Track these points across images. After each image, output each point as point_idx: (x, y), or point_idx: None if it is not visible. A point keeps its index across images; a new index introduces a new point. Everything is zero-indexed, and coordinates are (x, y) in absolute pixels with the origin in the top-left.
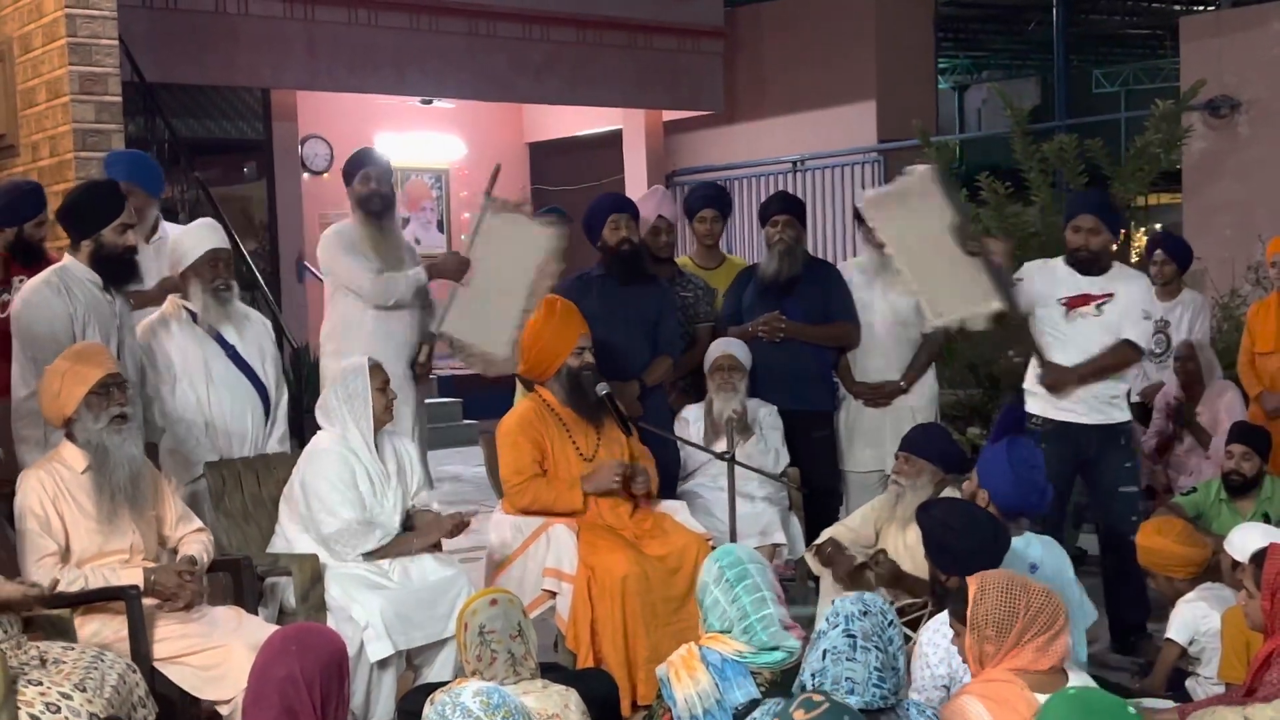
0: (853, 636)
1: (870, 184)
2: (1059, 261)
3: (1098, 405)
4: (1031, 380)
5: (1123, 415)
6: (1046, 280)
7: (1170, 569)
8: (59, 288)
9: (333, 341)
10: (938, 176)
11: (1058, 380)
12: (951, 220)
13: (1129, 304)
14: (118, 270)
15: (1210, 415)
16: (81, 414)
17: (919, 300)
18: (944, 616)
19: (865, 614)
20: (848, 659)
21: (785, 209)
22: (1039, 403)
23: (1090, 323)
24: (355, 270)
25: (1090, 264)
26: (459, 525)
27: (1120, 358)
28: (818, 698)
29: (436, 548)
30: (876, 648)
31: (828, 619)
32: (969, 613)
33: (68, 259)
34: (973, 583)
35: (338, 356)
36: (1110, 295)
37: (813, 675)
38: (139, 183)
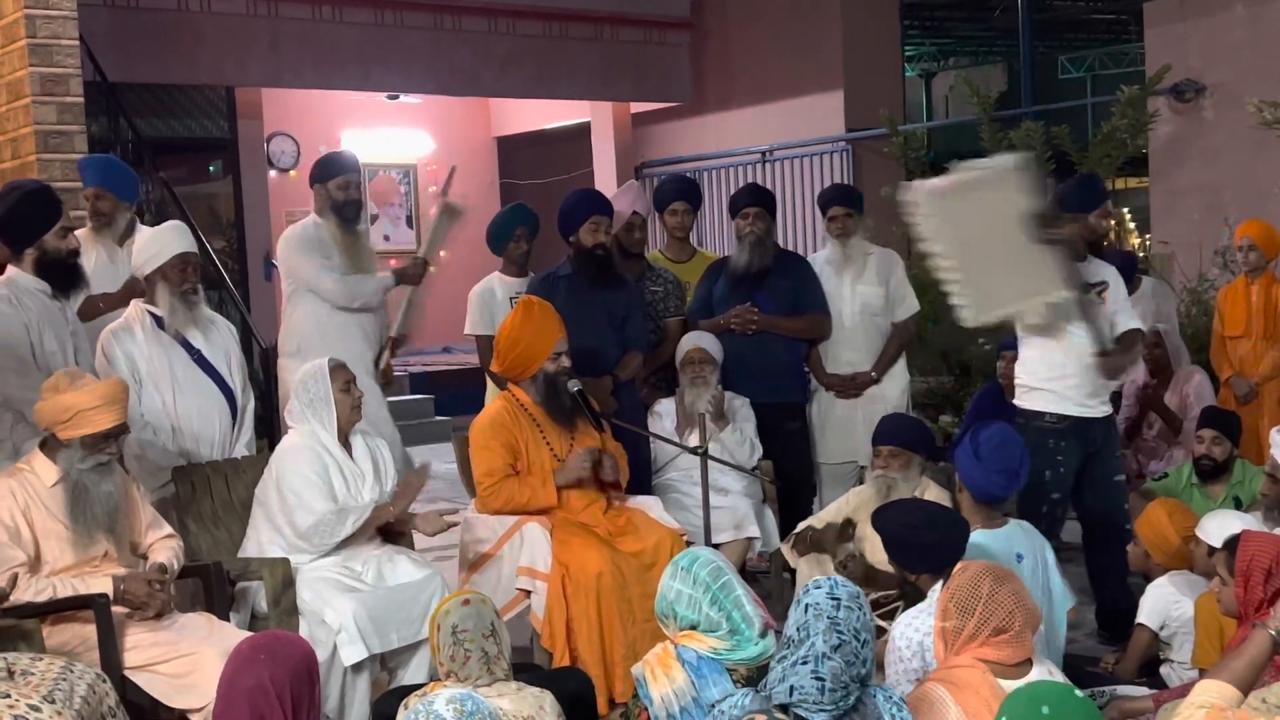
0: (821, 680)
1: (839, 173)
2: None
3: (1104, 398)
4: (1035, 377)
5: (1111, 406)
6: None
7: (1158, 552)
8: (9, 299)
9: (293, 342)
10: (1025, 164)
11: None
12: (1027, 209)
13: (1119, 292)
14: (64, 276)
15: (1179, 400)
16: (73, 447)
17: (960, 298)
18: (916, 610)
19: (838, 648)
20: (814, 701)
21: (755, 201)
22: (1051, 399)
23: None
24: (319, 271)
25: (1099, 247)
26: (436, 520)
27: (1139, 345)
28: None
29: (409, 544)
30: (843, 687)
31: (798, 629)
32: (944, 588)
33: (12, 270)
34: (960, 564)
35: (299, 358)
36: (1105, 283)
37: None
38: (110, 188)
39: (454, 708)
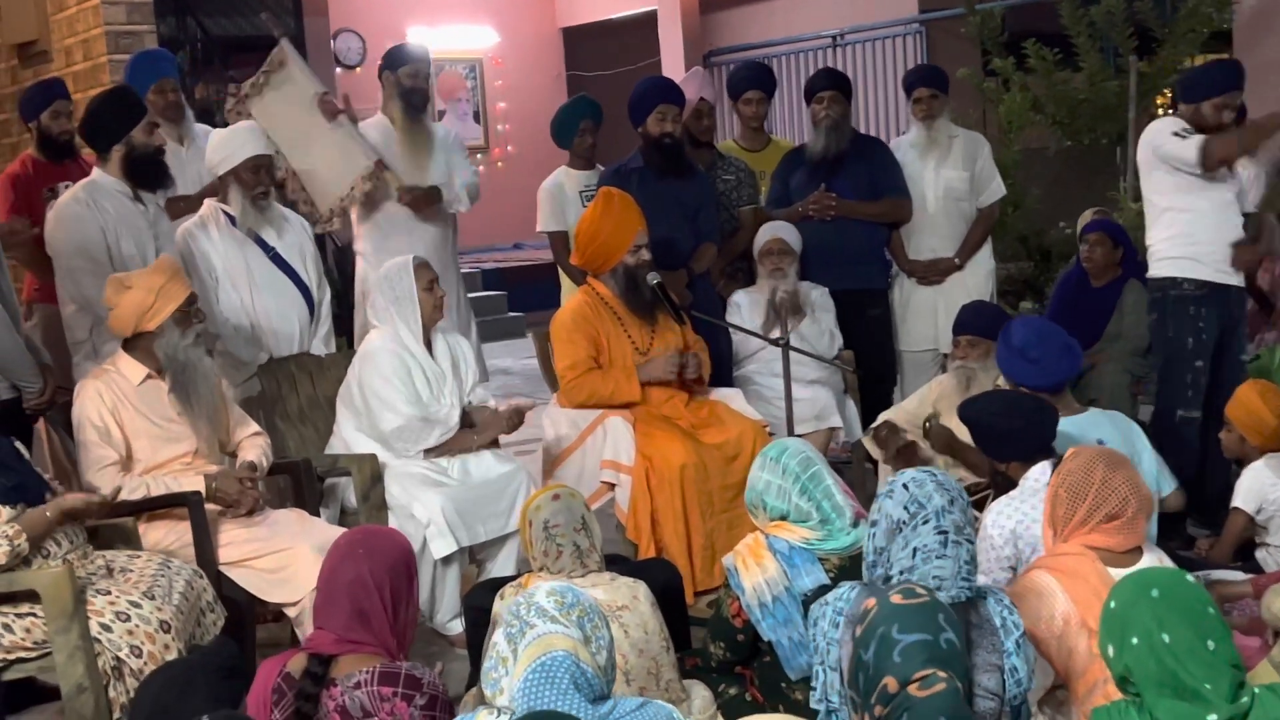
0: (944, 533)
1: (913, 57)
2: (1182, 123)
3: (1236, 269)
4: (1171, 244)
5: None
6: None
7: (1253, 434)
8: (87, 202)
9: (373, 240)
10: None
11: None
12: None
13: (1254, 172)
14: (150, 172)
15: (1271, 281)
16: (167, 330)
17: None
18: (1008, 498)
19: (953, 503)
20: (938, 556)
21: (831, 85)
22: (1184, 265)
23: (1232, 186)
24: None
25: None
26: (516, 417)
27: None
28: (920, 590)
29: (494, 443)
30: (967, 540)
31: (907, 508)
32: (1055, 473)
33: (96, 173)
34: (1072, 448)
35: (382, 254)
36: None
37: (901, 573)
38: (168, 74)
39: (554, 599)
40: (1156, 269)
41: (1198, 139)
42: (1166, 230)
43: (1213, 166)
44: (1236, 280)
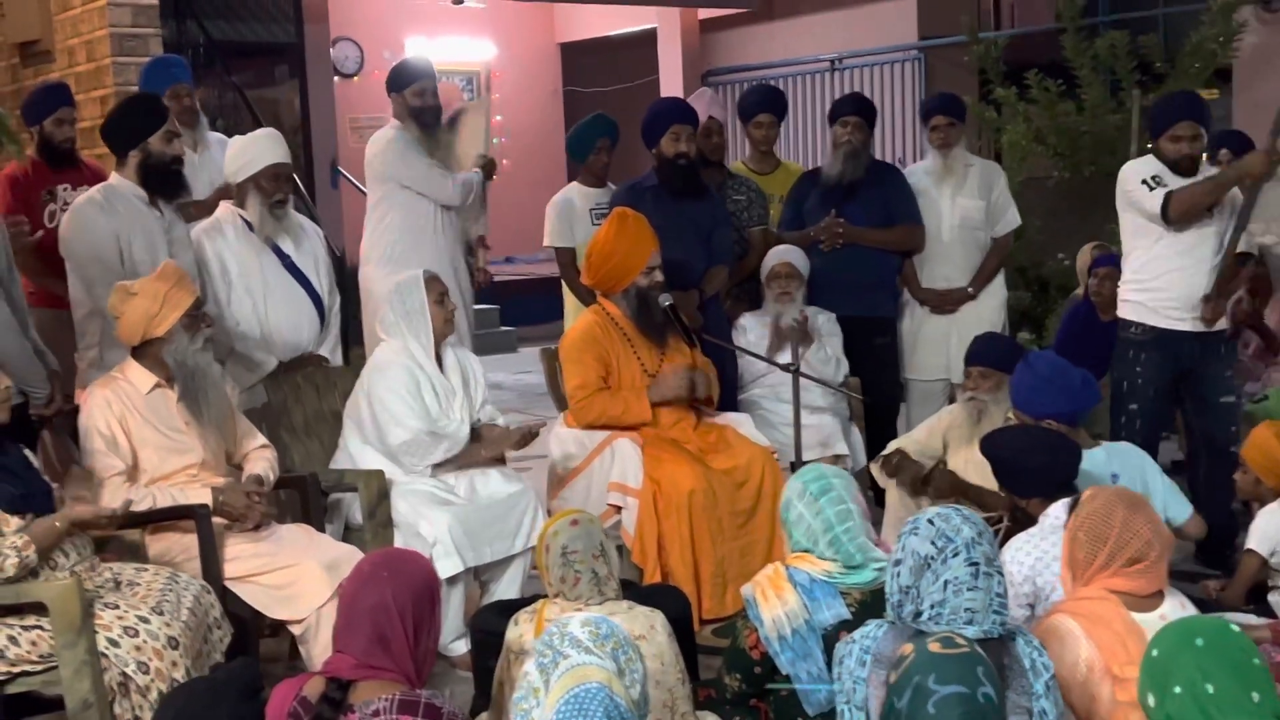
0: (975, 564)
1: (910, 83)
2: (1157, 165)
3: (1200, 315)
4: (1129, 288)
5: (1223, 324)
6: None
7: (1268, 476)
8: (102, 205)
9: (385, 248)
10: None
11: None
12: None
13: (1232, 210)
14: (166, 181)
15: (1279, 319)
16: (175, 336)
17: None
18: (1027, 535)
19: (981, 535)
20: (970, 589)
21: (856, 111)
22: (1138, 310)
23: (1207, 230)
24: (430, 171)
25: (1191, 170)
26: (527, 437)
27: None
28: (960, 640)
29: (501, 461)
30: (998, 572)
31: (935, 542)
32: (1072, 515)
33: (114, 177)
34: (1089, 489)
35: (390, 266)
36: (1216, 201)
37: (932, 607)
38: (182, 79)
39: (589, 630)
40: (1119, 309)
41: (1161, 192)
42: (1128, 272)
43: (1176, 220)
44: (1195, 325)
